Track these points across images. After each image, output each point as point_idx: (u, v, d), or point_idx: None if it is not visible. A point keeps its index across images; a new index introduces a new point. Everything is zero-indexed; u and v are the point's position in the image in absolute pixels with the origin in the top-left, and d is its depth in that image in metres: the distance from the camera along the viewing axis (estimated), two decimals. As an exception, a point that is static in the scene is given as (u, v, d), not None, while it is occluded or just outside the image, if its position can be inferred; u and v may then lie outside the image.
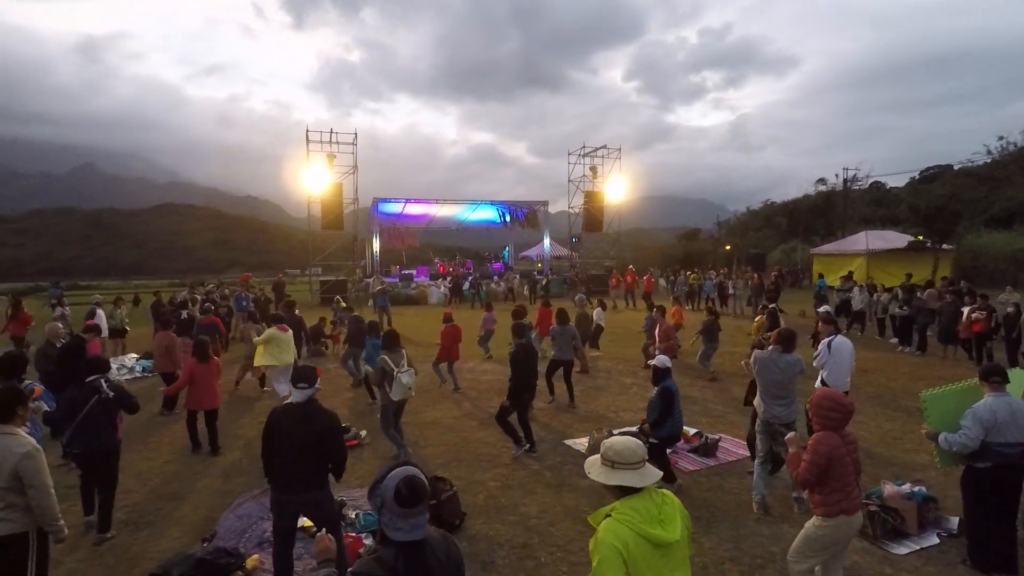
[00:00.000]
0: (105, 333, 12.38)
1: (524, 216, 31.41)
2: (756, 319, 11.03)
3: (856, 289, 16.11)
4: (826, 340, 6.48)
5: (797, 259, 39.64)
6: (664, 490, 2.39)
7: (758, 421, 5.59)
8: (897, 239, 28.86)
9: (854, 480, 3.45)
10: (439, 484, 5.20)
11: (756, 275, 20.99)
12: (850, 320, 15.73)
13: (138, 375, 11.72)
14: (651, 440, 5.66)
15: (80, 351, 6.67)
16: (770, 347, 5.55)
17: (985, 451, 4.19)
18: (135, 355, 12.68)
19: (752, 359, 5.57)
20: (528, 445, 6.87)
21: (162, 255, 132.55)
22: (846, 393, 6.26)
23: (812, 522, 3.53)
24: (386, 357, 6.37)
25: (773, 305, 10.55)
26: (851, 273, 19.43)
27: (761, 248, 40.05)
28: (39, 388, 4.51)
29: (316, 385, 4.00)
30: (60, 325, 9.06)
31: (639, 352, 11.87)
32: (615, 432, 7.16)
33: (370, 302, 23.19)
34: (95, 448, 5.00)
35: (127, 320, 14.07)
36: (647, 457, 2.39)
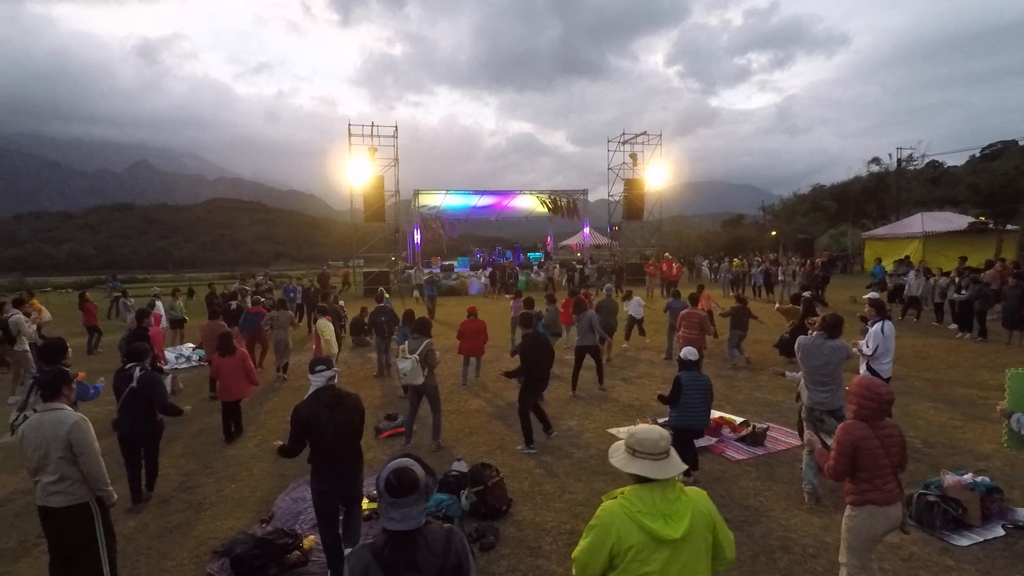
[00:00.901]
0: (164, 324, 12.98)
1: (564, 205, 31.28)
2: (778, 304, 10.76)
3: (911, 273, 15.48)
4: (878, 325, 6.24)
5: (847, 244, 38.31)
6: (690, 488, 2.34)
7: (803, 409, 5.51)
8: (956, 220, 27.53)
9: (888, 473, 3.35)
10: (485, 471, 5.28)
11: (808, 261, 20.33)
12: (905, 305, 15.15)
13: (195, 363, 12.20)
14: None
15: (136, 337, 7.04)
16: (814, 332, 5.46)
17: None
18: (192, 344, 13.19)
19: (796, 345, 5.50)
20: (534, 447, 6.77)
21: (213, 248, 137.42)
22: (888, 380, 6.13)
23: (845, 512, 3.51)
24: (407, 342, 6.63)
25: (807, 292, 10.26)
26: (907, 257, 18.66)
27: (809, 233, 38.87)
28: (82, 373, 4.83)
29: (335, 368, 4.18)
30: (130, 314, 9.61)
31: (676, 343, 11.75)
32: (658, 422, 7.13)
33: (414, 293, 23.58)
34: (126, 431, 5.35)
35: (185, 310, 14.67)
36: (669, 449, 2.31)
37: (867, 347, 6.26)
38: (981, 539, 4.51)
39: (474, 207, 32.47)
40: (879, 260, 19.60)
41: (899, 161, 40.79)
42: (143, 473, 5.59)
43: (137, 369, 5.40)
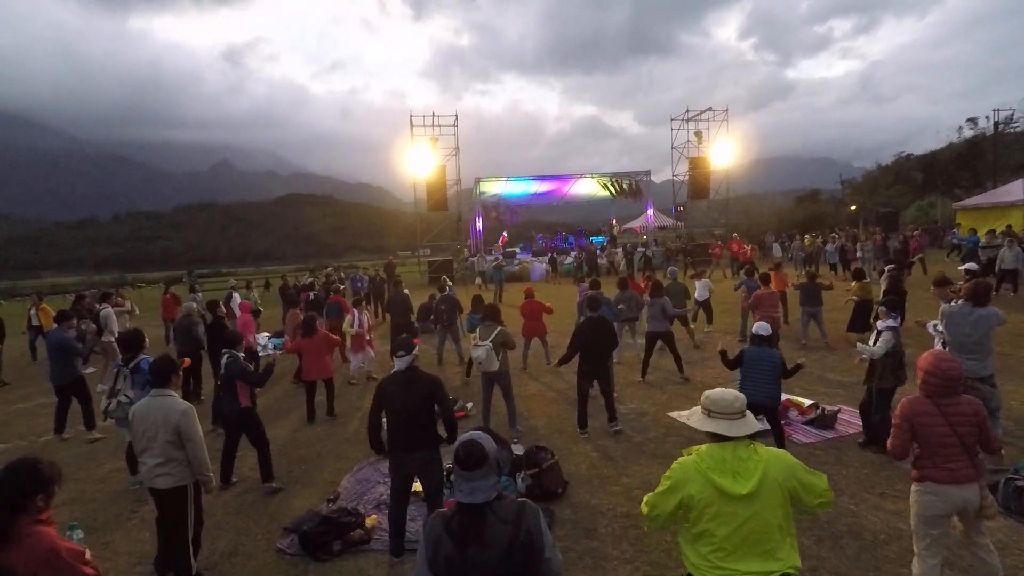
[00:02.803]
0: (239, 314, 13.76)
1: (627, 187, 30.71)
2: (853, 284, 10.16)
3: (1007, 244, 14.25)
4: (946, 302, 5.87)
5: (936, 215, 35.72)
6: (767, 448, 2.43)
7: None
8: (1061, 187, 25.09)
9: (956, 451, 3.18)
10: (540, 453, 5.31)
11: (879, 235, 19.10)
12: (999, 279, 14.00)
13: (270, 352, 12.84)
14: None
15: (218, 329, 7.48)
16: (959, 301, 5.39)
17: None
18: (267, 334, 13.90)
19: (940, 313, 5.44)
20: (587, 433, 6.72)
21: (288, 241, 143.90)
22: None
23: (911, 487, 3.42)
24: (478, 329, 6.63)
25: (892, 266, 9.66)
26: (1009, 227, 17.16)
27: (892, 206, 36.48)
28: (188, 360, 5.16)
29: (414, 352, 4.30)
30: (195, 304, 10.22)
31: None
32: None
33: (477, 280, 23.89)
34: (222, 414, 5.73)
35: (259, 302, 15.47)
36: (744, 410, 2.46)
37: (939, 326, 5.91)
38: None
39: (535, 193, 32.40)
40: (973, 231, 18.05)
41: (996, 124, 37.55)
42: (259, 458, 5.80)
43: (226, 355, 5.74)
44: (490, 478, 2.11)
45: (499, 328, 6.58)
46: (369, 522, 4.79)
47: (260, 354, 12.64)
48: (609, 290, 9.89)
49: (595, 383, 6.84)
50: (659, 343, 9.01)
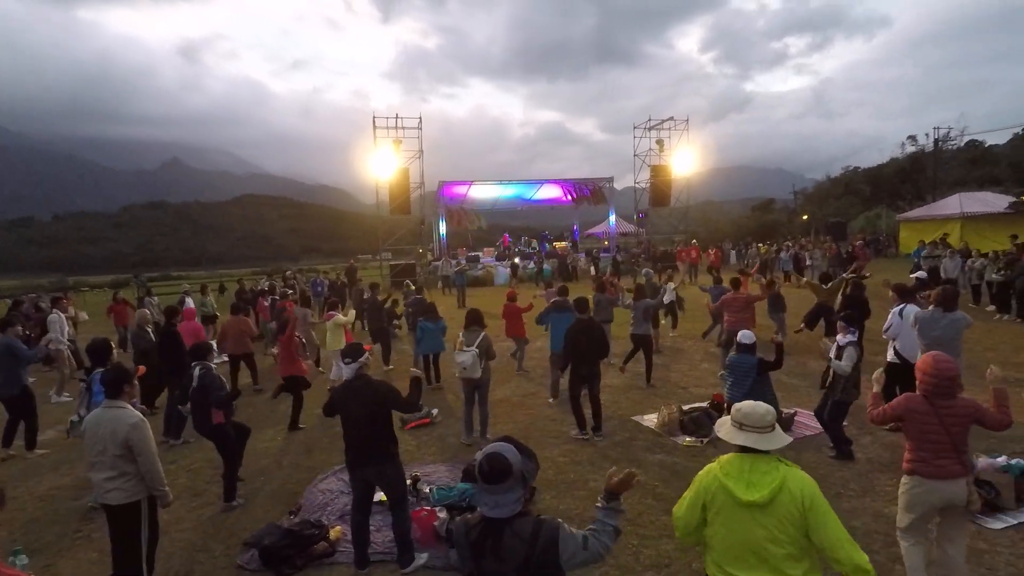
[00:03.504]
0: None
1: (589, 193, 31.06)
2: (803, 280, 10.63)
3: (948, 255, 15.00)
4: (897, 308, 6.15)
5: (882, 227, 37.26)
6: (792, 465, 2.42)
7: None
8: (996, 201, 26.53)
9: (946, 449, 3.33)
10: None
11: (834, 245, 19.89)
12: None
13: (225, 359, 12.43)
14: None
15: (173, 341, 7.20)
16: (930, 307, 5.66)
17: None
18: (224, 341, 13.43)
19: (912, 318, 5.73)
20: (586, 431, 6.68)
21: (244, 244, 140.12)
22: (913, 365, 6.10)
23: (901, 478, 3.60)
24: (460, 336, 6.53)
25: (853, 275, 10.06)
26: (944, 237, 18.03)
27: (842, 217, 37.88)
28: (143, 368, 4.93)
29: (362, 359, 4.20)
30: (148, 312, 9.85)
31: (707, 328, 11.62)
32: (684, 408, 7.07)
33: (439, 284, 23.75)
34: (197, 429, 5.49)
35: (216, 306, 14.98)
36: (775, 424, 2.48)
37: (886, 333, 6.22)
38: (1015, 522, 4.42)
39: (499, 198, 32.45)
40: (922, 242, 18.89)
41: (936, 141, 39.47)
42: (224, 472, 5.58)
43: (198, 368, 5.46)
44: (515, 491, 2.07)
45: (484, 334, 6.55)
46: (333, 534, 4.68)
47: (216, 361, 12.26)
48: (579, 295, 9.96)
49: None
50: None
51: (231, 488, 5.53)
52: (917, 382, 3.46)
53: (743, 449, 2.45)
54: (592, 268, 25.34)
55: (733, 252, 30.93)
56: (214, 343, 13.16)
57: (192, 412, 5.44)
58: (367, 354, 4.33)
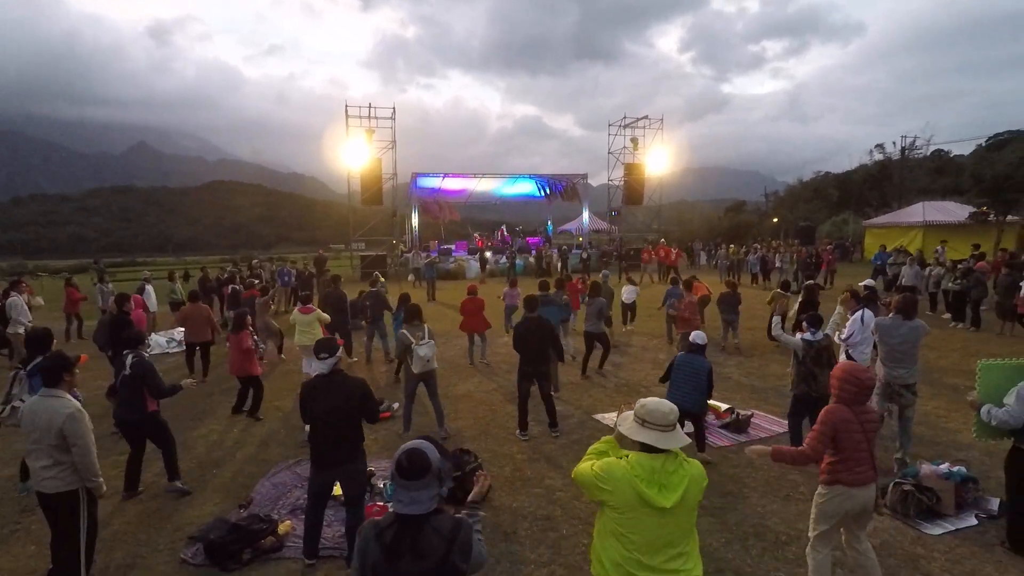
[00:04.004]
0: (154, 309, 13.00)
1: (563, 189, 31.12)
2: (771, 291, 10.79)
3: (906, 263, 15.41)
4: (858, 313, 6.25)
5: (848, 232, 38.13)
6: (690, 460, 2.47)
7: (878, 384, 5.68)
8: (957, 211, 27.37)
9: (865, 456, 3.40)
10: (464, 456, 5.29)
11: (803, 248, 20.27)
12: (899, 294, 15.09)
13: (172, 351, 12.15)
14: None
15: (119, 325, 7.00)
16: (890, 315, 5.77)
17: None
18: (184, 328, 13.12)
19: (875, 325, 5.82)
20: (527, 435, 6.68)
21: (213, 231, 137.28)
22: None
23: (817, 490, 3.60)
24: (405, 331, 6.42)
25: (811, 281, 10.28)
26: (903, 247, 18.53)
27: (811, 221, 38.65)
28: (85, 356, 4.76)
29: (337, 355, 4.11)
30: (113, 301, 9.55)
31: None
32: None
33: (410, 276, 23.56)
34: (124, 418, 5.32)
35: (184, 294, 14.60)
36: (676, 423, 2.47)
37: (842, 336, 6.32)
38: (953, 528, 4.52)
39: (473, 191, 32.32)
40: (883, 247, 19.38)
41: (903, 149, 40.46)
42: (165, 459, 5.51)
43: (130, 356, 5.34)
44: (431, 488, 2.06)
45: (427, 326, 6.51)
46: (282, 528, 4.61)
47: (175, 349, 12.00)
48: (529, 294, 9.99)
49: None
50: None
51: (175, 469, 5.47)
52: (836, 391, 3.49)
53: (645, 447, 2.43)
54: (560, 264, 25.33)
55: (703, 252, 31.32)
56: (179, 329, 12.95)
57: (120, 401, 5.29)
58: (340, 348, 4.26)
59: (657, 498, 2.33)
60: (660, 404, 2.47)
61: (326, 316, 8.89)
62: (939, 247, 18.13)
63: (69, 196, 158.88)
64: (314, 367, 4.16)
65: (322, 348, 4.11)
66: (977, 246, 14.98)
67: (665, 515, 2.36)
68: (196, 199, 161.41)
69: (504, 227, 34.62)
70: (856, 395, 3.41)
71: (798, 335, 5.82)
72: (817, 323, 5.67)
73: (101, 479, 3.81)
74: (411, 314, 6.65)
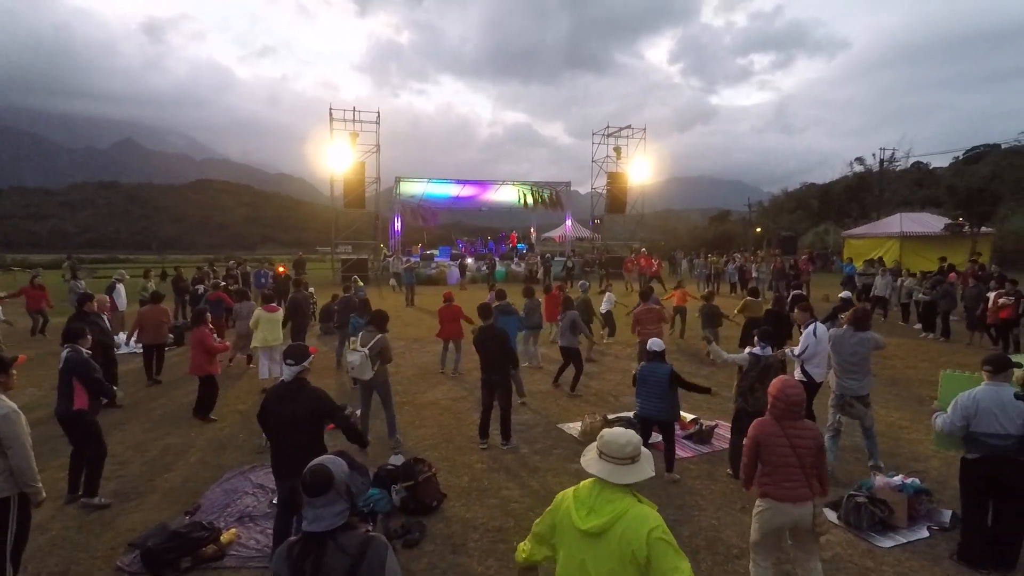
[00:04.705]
0: (123, 307, 12.75)
1: (547, 197, 31.16)
2: (742, 302, 10.81)
3: (878, 274, 15.57)
4: (810, 327, 6.24)
5: (829, 242, 38.54)
6: (643, 505, 2.27)
7: (831, 395, 5.88)
8: (933, 222, 27.74)
9: (795, 472, 3.40)
10: (418, 465, 5.20)
11: (779, 258, 20.42)
12: (872, 305, 15.24)
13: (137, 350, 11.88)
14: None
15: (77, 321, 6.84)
16: (844, 326, 5.85)
17: (972, 441, 4.11)
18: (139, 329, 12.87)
19: (828, 336, 5.94)
20: (487, 443, 6.56)
21: (198, 230, 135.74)
22: (820, 384, 6.27)
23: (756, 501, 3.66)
24: (358, 336, 6.41)
25: (798, 291, 10.34)
26: (880, 258, 18.76)
27: (793, 231, 39.05)
28: (23, 356, 4.62)
29: (304, 363, 3.98)
30: (106, 297, 9.36)
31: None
32: (610, 417, 7.09)
33: (391, 281, 23.42)
34: (57, 414, 5.16)
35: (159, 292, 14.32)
36: (637, 456, 2.31)
37: (795, 351, 6.32)
38: (905, 540, 4.52)
39: (457, 197, 32.25)
40: (850, 259, 19.70)
41: (882, 161, 41.04)
42: (87, 467, 5.30)
43: (65, 349, 5.20)
44: (336, 505, 2.03)
45: (380, 336, 6.37)
46: (225, 537, 4.50)
47: (140, 350, 11.70)
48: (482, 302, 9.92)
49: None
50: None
51: (94, 483, 5.23)
52: (769, 405, 3.55)
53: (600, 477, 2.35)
54: (540, 272, 25.27)
55: (685, 261, 31.48)
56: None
57: (59, 396, 5.13)
58: (311, 357, 4.10)
59: (577, 517, 2.24)
60: (618, 436, 2.33)
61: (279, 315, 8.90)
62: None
63: (52, 190, 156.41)
64: (284, 373, 4.02)
65: (289, 354, 3.99)
66: (944, 258, 15.18)
67: (584, 542, 2.20)
68: (181, 197, 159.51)
69: (498, 235, 34.65)
70: (784, 411, 3.43)
71: (747, 349, 5.79)
72: (768, 338, 5.63)
73: (39, 484, 3.69)
74: (371, 319, 6.58)
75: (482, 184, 31.15)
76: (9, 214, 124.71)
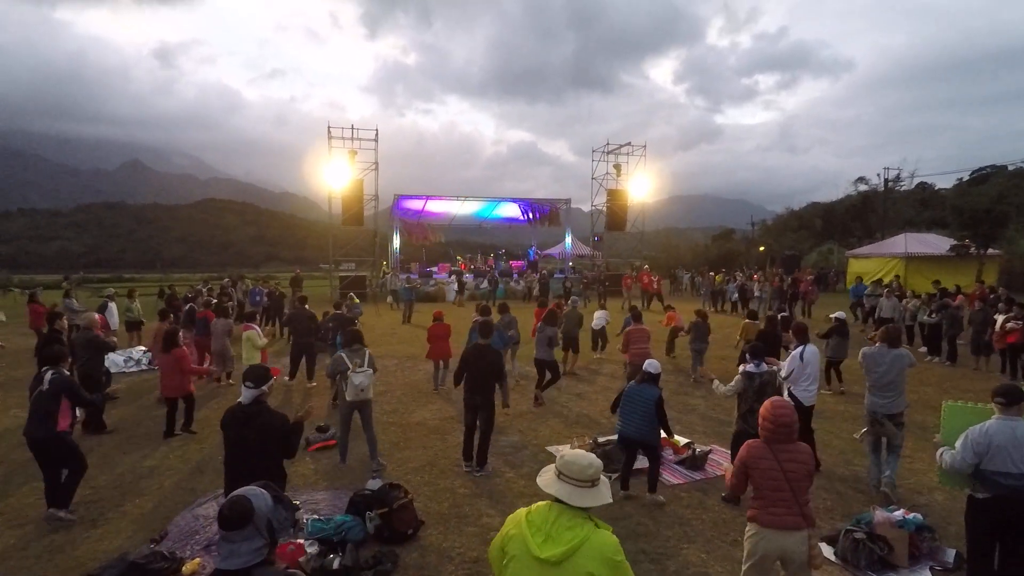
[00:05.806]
0: (115, 326, 12.62)
1: (547, 213, 31.10)
2: (743, 323, 10.61)
3: (884, 294, 15.32)
4: (798, 349, 6.04)
5: (832, 262, 38.30)
6: (601, 528, 2.19)
7: (865, 413, 5.77)
8: (939, 243, 27.52)
9: (786, 497, 3.23)
10: (393, 491, 4.97)
11: (777, 278, 20.21)
12: (876, 326, 14.96)
13: (144, 368, 11.80)
14: None
15: (48, 342, 6.71)
16: (876, 344, 5.75)
17: (983, 479, 3.75)
18: (143, 347, 12.78)
19: (860, 355, 5.79)
20: (471, 466, 6.27)
21: (203, 248, 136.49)
22: (811, 407, 6.12)
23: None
24: (343, 355, 6.13)
25: (784, 314, 10.15)
26: (881, 280, 18.52)
27: (797, 250, 38.82)
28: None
29: (263, 387, 3.89)
30: (96, 316, 9.21)
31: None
32: (600, 440, 6.85)
33: (388, 298, 23.27)
34: (33, 435, 5.04)
35: (142, 313, 14.22)
36: (597, 480, 2.23)
37: (782, 373, 6.13)
38: (905, 581, 4.24)
39: (456, 214, 32.22)
40: (859, 279, 19.39)
41: (886, 181, 40.93)
42: (66, 480, 5.25)
43: (49, 372, 5.12)
44: (253, 541, 1.88)
45: (368, 351, 6.24)
46: (189, 567, 4.27)
47: (132, 369, 11.62)
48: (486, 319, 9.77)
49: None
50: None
51: (67, 495, 5.16)
52: (760, 428, 3.42)
53: (558, 499, 2.24)
54: (536, 289, 25.00)
55: (687, 279, 31.30)
56: (141, 349, 12.58)
57: (31, 417, 5.01)
58: (272, 380, 4.01)
59: (536, 547, 2.11)
60: (579, 457, 2.26)
61: (261, 340, 8.77)
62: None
63: (59, 211, 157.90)
64: (243, 394, 3.92)
65: (249, 376, 3.89)
66: (938, 282, 14.97)
67: (540, 570, 2.10)
68: (186, 216, 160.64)
69: (494, 252, 34.52)
70: (772, 432, 3.28)
71: (741, 367, 5.61)
72: (759, 354, 5.44)
73: None
74: (351, 338, 6.36)
75: (481, 201, 31.08)
76: (16, 235, 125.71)
